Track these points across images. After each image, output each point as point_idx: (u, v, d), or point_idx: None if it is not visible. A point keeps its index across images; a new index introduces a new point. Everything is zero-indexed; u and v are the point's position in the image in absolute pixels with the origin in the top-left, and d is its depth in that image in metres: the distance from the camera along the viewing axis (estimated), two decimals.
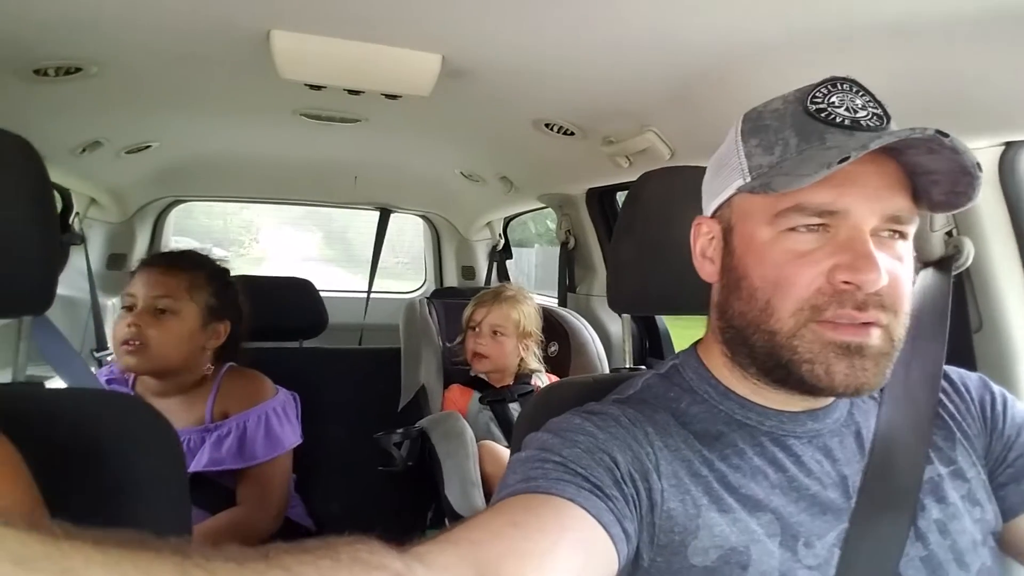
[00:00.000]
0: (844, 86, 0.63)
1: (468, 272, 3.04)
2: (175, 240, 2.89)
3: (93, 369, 1.69)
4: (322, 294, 2.09)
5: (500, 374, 1.79)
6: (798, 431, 0.68)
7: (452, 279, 3.07)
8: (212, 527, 1.36)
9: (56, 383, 1.03)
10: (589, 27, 0.95)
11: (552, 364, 1.88)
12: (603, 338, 1.95)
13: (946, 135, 0.55)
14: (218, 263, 1.56)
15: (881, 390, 0.72)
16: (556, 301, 2.25)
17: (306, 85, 1.22)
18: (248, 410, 1.46)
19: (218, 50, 1.14)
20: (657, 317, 1.98)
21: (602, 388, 0.76)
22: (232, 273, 1.58)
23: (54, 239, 0.78)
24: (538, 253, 2.83)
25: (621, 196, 2.04)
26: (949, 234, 0.93)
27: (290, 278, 2.05)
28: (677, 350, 0.88)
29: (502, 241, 2.81)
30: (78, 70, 1.19)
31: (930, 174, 0.61)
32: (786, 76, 0.93)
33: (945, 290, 0.80)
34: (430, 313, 2.04)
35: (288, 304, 1.90)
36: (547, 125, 1.50)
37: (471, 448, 1.56)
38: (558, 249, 2.24)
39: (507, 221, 2.81)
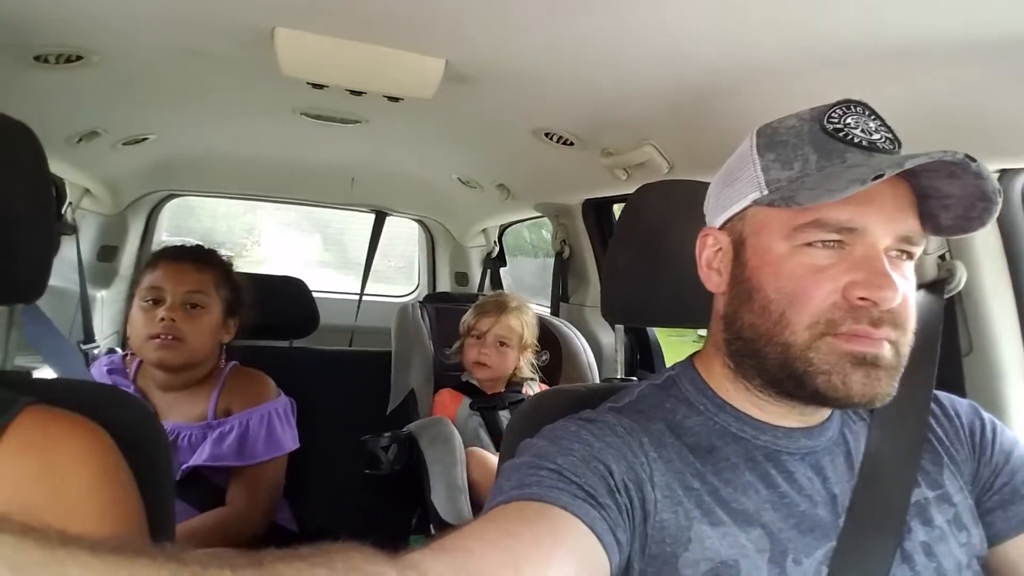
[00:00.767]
0: (857, 108, 0.65)
1: (461, 278, 3.04)
2: (180, 241, 2.87)
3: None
4: (314, 295, 2.09)
5: (494, 381, 1.79)
6: (792, 447, 0.68)
7: (445, 284, 3.07)
8: (199, 525, 1.36)
9: (42, 374, 1.02)
10: (594, 40, 0.96)
11: (543, 372, 1.88)
12: (594, 348, 1.96)
13: (974, 160, 0.56)
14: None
15: (871, 411, 0.72)
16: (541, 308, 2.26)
17: (308, 84, 1.22)
18: (251, 409, 1.47)
19: (222, 46, 1.14)
20: (649, 330, 1.99)
21: (594, 397, 0.76)
22: None
23: (51, 226, 0.77)
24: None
25: (617, 208, 2.05)
26: (942, 258, 0.94)
27: (283, 277, 2.04)
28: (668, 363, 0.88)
29: (497, 248, 2.82)
30: (79, 59, 1.19)
31: (943, 198, 0.62)
32: (787, 95, 0.95)
33: (938, 312, 0.81)
34: (422, 317, 2.04)
35: (280, 303, 1.89)
36: (547, 134, 1.50)
37: (459, 454, 1.55)
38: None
39: (503, 229, 2.81)
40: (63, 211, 1.98)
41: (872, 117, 0.65)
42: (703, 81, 1.04)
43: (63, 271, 1.98)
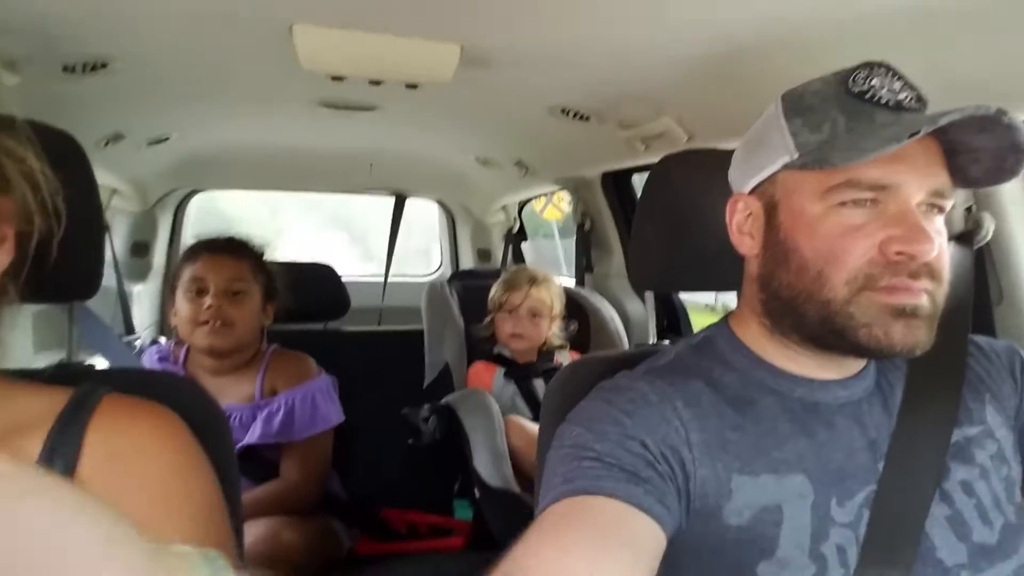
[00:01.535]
0: (880, 70, 0.65)
1: (484, 255, 3.07)
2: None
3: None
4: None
5: (528, 351, 1.84)
6: (828, 398, 0.70)
7: (467, 262, 3.10)
8: (258, 497, 1.45)
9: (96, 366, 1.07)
10: (607, 13, 0.96)
11: (572, 342, 1.92)
12: (621, 316, 1.99)
13: (1005, 112, 0.58)
14: None
15: (909, 360, 0.74)
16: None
17: (328, 76, 1.24)
18: (295, 388, 1.54)
19: (241, 43, 1.16)
20: (674, 295, 2.01)
21: (628, 363, 0.78)
22: None
23: (100, 226, 0.82)
24: None
25: (636, 179, 2.06)
26: (968, 210, 0.94)
27: (313, 263, 2.08)
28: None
29: (517, 224, 2.83)
30: (104, 66, 1.21)
31: (973, 152, 0.63)
32: (801, 60, 0.95)
33: (968, 263, 0.82)
34: (450, 294, 2.08)
35: (312, 287, 1.94)
36: (563, 111, 1.51)
37: (498, 422, 1.60)
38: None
39: (522, 204, 2.83)
40: None
41: (896, 77, 0.65)
42: (719, 50, 1.04)
43: None
